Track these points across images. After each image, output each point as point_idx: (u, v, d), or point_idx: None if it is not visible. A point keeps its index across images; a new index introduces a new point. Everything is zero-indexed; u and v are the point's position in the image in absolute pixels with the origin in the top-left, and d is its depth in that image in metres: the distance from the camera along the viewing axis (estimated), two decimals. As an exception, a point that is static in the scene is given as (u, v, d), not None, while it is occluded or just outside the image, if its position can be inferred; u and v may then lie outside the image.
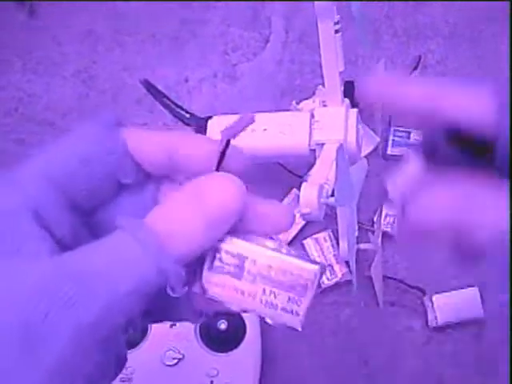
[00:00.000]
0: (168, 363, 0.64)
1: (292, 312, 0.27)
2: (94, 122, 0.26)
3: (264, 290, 0.26)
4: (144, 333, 0.66)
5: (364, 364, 0.73)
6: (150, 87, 0.80)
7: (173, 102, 0.79)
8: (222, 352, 0.65)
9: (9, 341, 0.20)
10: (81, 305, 0.21)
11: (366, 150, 0.79)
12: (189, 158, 0.26)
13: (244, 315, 0.67)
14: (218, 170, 0.26)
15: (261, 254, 0.26)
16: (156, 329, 0.66)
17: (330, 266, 0.75)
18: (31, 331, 0.20)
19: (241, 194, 0.24)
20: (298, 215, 0.84)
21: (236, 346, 0.66)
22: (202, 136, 0.27)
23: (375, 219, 0.76)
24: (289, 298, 0.26)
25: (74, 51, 0.90)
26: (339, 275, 0.75)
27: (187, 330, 0.66)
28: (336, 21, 0.60)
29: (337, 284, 0.75)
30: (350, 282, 0.75)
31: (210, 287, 0.26)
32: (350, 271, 0.74)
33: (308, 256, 0.24)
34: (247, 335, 0.66)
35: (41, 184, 0.24)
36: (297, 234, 0.77)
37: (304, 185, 0.54)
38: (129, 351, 0.64)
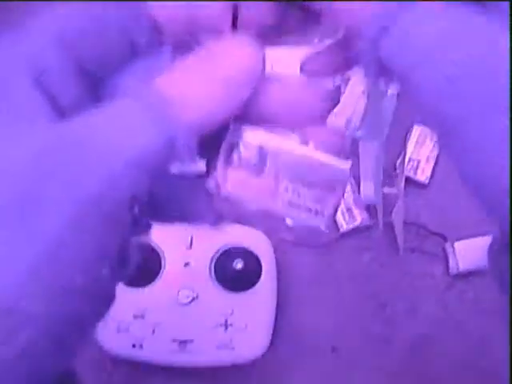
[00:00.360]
0: (182, 302, 0.63)
1: (317, 212, 0.24)
2: None
3: (287, 188, 0.24)
4: (157, 271, 0.64)
5: (382, 309, 0.71)
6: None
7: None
8: (237, 292, 0.64)
9: (2, 211, 0.18)
10: (81, 175, 0.19)
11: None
12: (207, 17, 0.24)
13: (260, 256, 0.65)
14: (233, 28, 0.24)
15: (285, 147, 0.24)
16: (170, 267, 0.64)
17: (349, 210, 0.73)
18: (28, 203, 0.18)
19: (259, 54, 0.23)
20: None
21: (251, 286, 0.64)
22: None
23: (398, 163, 0.74)
24: (314, 197, 0.24)
25: None
26: (358, 219, 0.73)
27: (202, 269, 0.64)
28: None
29: (356, 229, 0.73)
30: (369, 227, 0.73)
31: (226, 184, 0.24)
32: (371, 218, 0.72)
33: (334, 156, 0.22)
34: (263, 275, 0.64)
35: (48, 43, 0.22)
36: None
37: (330, 117, 0.52)
38: (142, 289, 0.63)
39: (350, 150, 0.68)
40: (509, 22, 0.21)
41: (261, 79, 0.23)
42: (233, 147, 0.24)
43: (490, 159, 0.20)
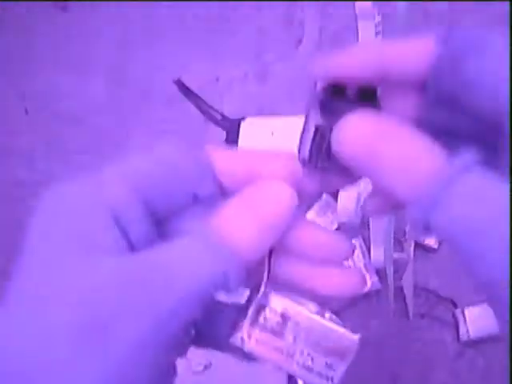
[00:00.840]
0: (196, 369, 0.63)
1: (327, 378, 0.27)
2: (179, 141, 0.27)
3: (302, 352, 0.27)
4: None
5: (393, 379, 0.71)
6: (183, 87, 0.79)
7: (205, 103, 0.78)
8: (249, 360, 0.64)
9: (73, 332, 0.20)
10: (148, 304, 0.21)
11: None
12: (267, 177, 0.26)
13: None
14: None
15: (305, 316, 0.26)
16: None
17: (360, 274, 0.74)
18: (95, 327, 0.20)
19: (292, 200, 0.25)
20: (328, 220, 0.83)
21: (264, 355, 0.64)
22: (282, 155, 0.27)
23: (407, 229, 0.75)
24: (325, 364, 0.27)
25: (106, 50, 0.89)
26: (369, 284, 0.73)
27: (214, 336, 0.65)
28: (377, 22, 0.58)
29: (366, 293, 0.73)
30: (379, 291, 0.73)
31: (250, 342, 0.26)
32: (382, 282, 0.73)
33: (346, 328, 0.26)
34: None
35: (123, 187, 0.24)
36: (326, 241, 0.75)
37: (341, 193, 0.53)
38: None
39: (361, 219, 0.69)
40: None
41: (293, 220, 0.25)
42: (260, 309, 0.26)
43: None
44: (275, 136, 0.64)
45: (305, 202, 0.27)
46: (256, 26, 0.88)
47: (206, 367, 0.63)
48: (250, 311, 0.26)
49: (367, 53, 0.25)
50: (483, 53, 0.23)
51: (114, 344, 0.20)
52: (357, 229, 0.66)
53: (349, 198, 0.52)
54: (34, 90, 0.88)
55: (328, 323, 0.27)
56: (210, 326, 0.27)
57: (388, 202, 0.27)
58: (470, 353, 0.72)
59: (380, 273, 0.73)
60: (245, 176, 0.27)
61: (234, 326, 0.26)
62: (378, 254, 0.73)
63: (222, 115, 0.79)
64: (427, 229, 0.23)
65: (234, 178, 0.27)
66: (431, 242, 0.75)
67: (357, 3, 0.57)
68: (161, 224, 0.26)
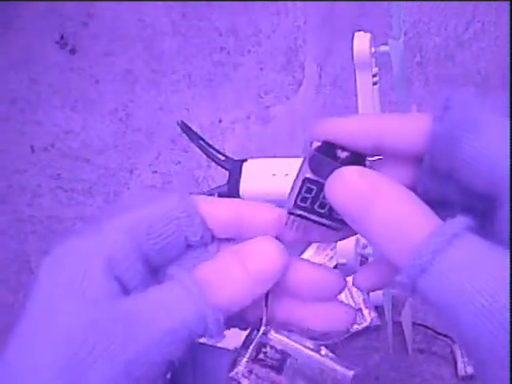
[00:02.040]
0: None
1: None
2: (173, 193, 0.29)
3: None
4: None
5: (392, 412, 0.73)
6: (186, 128, 0.81)
7: (208, 144, 0.81)
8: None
9: (55, 367, 0.22)
10: (120, 342, 0.23)
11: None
12: (252, 223, 0.28)
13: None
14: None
15: (303, 353, 0.28)
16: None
17: (359, 310, 0.75)
18: (76, 363, 0.22)
19: (282, 258, 0.26)
20: (327, 257, 0.85)
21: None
22: (266, 204, 0.29)
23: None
24: None
25: (111, 90, 0.92)
26: (368, 320, 0.75)
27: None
28: (374, 73, 0.61)
29: (366, 329, 0.75)
30: (378, 326, 0.75)
31: (250, 377, 0.28)
32: (381, 318, 0.74)
33: (342, 361, 0.27)
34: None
35: (120, 236, 0.26)
36: (326, 277, 0.77)
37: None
38: None
39: (360, 260, 0.71)
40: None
41: (285, 269, 0.27)
42: (260, 347, 0.27)
43: None
44: (277, 177, 0.66)
45: (293, 245, 0.28)
46: (258, 68, 0.91)
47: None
48: (251, 348, 0.27)
49: (365, 124, 0.26)
50: (479, 134, 0.23)
51: (93, 381, 0.22)
52: (356, 269, 0.68)
53: (348, 239, 0.54)
54: (40, 128, 0.91)
55: (324, 359, 0.28)
56: (209, 363, 0.29)
57: (381, 275, 0.28)
58: (467, 388, 0.73)
59: (379, 309, 0.75)
60: (233, 223, 0.28)
61: (234, 363, 0.27)
62: (377, 291, 0.75)
63: (225, 156, 0.81)
64: (414, 293, 0.23)
65: (223, 226, 0.28)
66: (428, 278, 0.77)
67: (355, 53, 0.59)
68: (157, 271, 0.28)
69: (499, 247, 0.22)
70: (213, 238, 0.29)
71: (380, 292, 0.74)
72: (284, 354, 0.28)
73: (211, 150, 0.84)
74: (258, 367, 0.27)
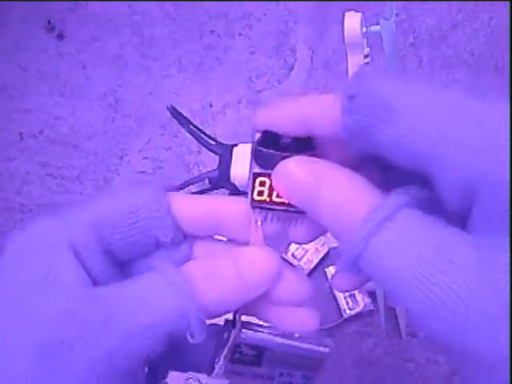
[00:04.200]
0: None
1: None
2: (146, 185, 0.28)
3: (281, 373, 0.28)
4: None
5: (386, 397, 0.72)
6: (176, 113, 0.80)
7: (198, 129, 0.80)
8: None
9: (28, 355, 0.21)
10: (98, 333, 0.22)
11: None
12: (228, 220, 0.27)
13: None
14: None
15: (277, 343, 0.28)
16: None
17: (353, 295, 0.75)
18: (51, 352, 0.21)
19: (276, 264, 0.26)
20: (320, 243, 0.84)
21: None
22: (241, 199, 0.28)
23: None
24: (303, 375, 0.29)
25: (100, 75, 0.91)
26: (361, 305, 0.74)
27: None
28: (366, 53, 0.60)
29: (359, 314, 0.74)
30: (372, 312, 0.75)
31: (231, 376, 0.28)
32: (374, 303, 0.74)
33: (318, 337, 0.27)
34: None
35: (85, 228, 0.25)
36: (319, 262, 0.77)
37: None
38: None
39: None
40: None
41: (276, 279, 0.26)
42: (236, 346, 0.27)
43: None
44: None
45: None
46: (249, 52, 0.90)
47: (201, 389, 0.64)
48: (226, 350, 0.27)
49: (289, 111, 0.25)
50: (392, 120, 0.22)
51: (67, 370, 0.22)
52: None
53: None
54: (28, 115, 0.90)
55: (299, 344, 0.28)
56: (191, 351, 0.28)
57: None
58: (461, 372, 0.72)
59: (372, 294, 0.74)
60: (203, 222, 0.27)
61: (212, 365, 0.27)
62: (369, 275, 0.74)
63: (215, 141, 0.80)
64: (358, 271, 0.23)
65: (193, 225, 0.27)
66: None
67: (346, 32, 0.58)
68: (125, 267, 0.27)
69: (440, 221, 0.21)
70: (185, 236, 0.28)
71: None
72: (259, 349, 0.28)
73: (201, 134, 0.83)
74: (236, 365, 0.27)
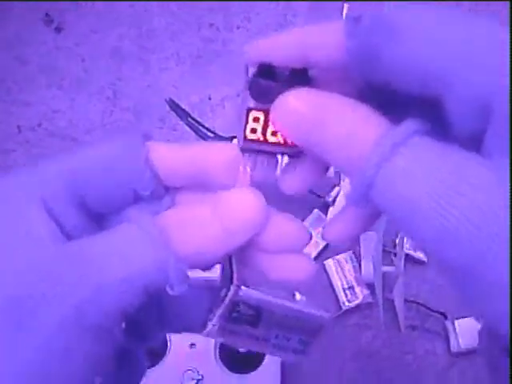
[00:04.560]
0: (187, 383, 0.64)
1: (301, 352, 0.28)
2: (123, 136, 0.27)
3: (277, 336, 0.27)
4: (163, 351, 0.65)
5: (385, 389, 0.72)
6: (174, 106, 0.80)
7: (197, 122, 0.80)
8: (241, 373, 0.65)
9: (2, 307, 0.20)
10: (67, 287, 0.21)
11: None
12: (214, 167, 0.26)
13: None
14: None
15: (276, 304, 0.27)
16: (175, 348, 0.65)
17: (351, 287, 0.75)
18: (17, 306, 0.21)
19: (262, 208, 0.24)
20: (319, 236, 0.84)
21: (255, 368, 0.65)
22: (226, 143, 0.27)
23: (397, 241, 0.76)
24: (300, 340, 0.28)
25: (98, 68, 0.90)
26: (360, 297, 0.74)
27: (207, 350, 0.65)
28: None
29: (358, 306, 0.74)
30: (371, 304, 0.74)
31: (225, 334, 0.27)
32: (373, 295, 0.73)
33: (318, 303, 0.26)
34: (267, 357, 0.65)
35: (57, 181, 0.24)
36: (318, 255, 0.76)
37: (331, 209, 0.54)
38: (148, 370, 0.64)
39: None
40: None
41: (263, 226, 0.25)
42: (233, 305, 0.26)
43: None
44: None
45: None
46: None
47: (198, 381, 0.63)
48: (222, 308, 0.26)
49: (290, 39, 0.24)
50: (399, 39, 0.21)
51: (33, 326, 0.21)
52: (347, 243, 0.67)
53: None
54: (26, 108, 0.90)
55: (299, 307, 0.27)
56: (184, 310, 0.27)
57: (350, 223, 0.27)
58: (460, 364, 0.72)
59: (371, 286, 0.74)
60: (186, 171, 0.26)
61: (209, 311, 0.26)
62: (368, 268, 0.74)
63: (214, 133, 0.80)
64: (368, 202, 0.22)
65: (175, 175, 0.26)
66: (421, 254, 0.76)
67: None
68: (102, 221, 0.26)
69: (453, 146, 0.21)
70: (167, 189, 0.26)
71: (371, 271, 0.74)
72: (258, 309, 0.26)
73: (200, 127, 0.83)
74: (231, 325, 0.26)
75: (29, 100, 0.90)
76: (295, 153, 0.25)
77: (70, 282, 0.21)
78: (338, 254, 0.76)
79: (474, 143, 0.21)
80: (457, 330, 0.72)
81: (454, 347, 0.72)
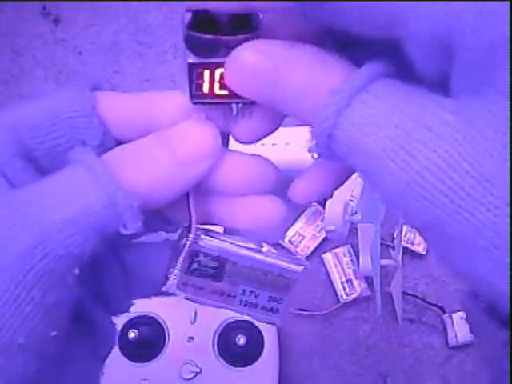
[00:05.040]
0: (185, 377, 0.64)
1: (272, 310, 0.26)
2: (71, 85, 0.26)
3: (244, 291, 0.25)
4: (161, 345, 0.65)
5: (383, 382, 0.72)
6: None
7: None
8: (239, 367, 0.65)
9: None
10: (10, 232, 0.20)
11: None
12: (165, 112, 0.25)
13: (263, 331, 0.66)
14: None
15: (242, 255, 0.25)
16: (174, 341, 0.65)
17: (349, 281, 0.75)
18: None
19: (216, 138, 0.23)
20: (317, 229, 0.84)
21: (254, 361, 0.65)
22: (177, 93, 0.26)
23: (395, 235, 0.76)
24: (269, 298, 0.26)
25: (96, 62, 0.90)
26: (358, 290, 0.74)
27: (205, 343, 0.65)
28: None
29: (356, 300, 0.74)
30: (369, 297, 0.74)
31: (187, 289, 0.25)
32: (371, 288, 0.74)
33: (291, 255, 0.24)
34: (265, 350, 0.65)
35: (2, 134, 0.23)
36: (316, 248, 0.76)
37: (329, 202, 0.54)
38: (146, 363, 0.64)
39: (349, 229, 0.70)
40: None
41: (217, 159, 0.24)
42: (193, 256, 0.25)
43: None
44: (265, 146, 0.65)
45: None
46: (245, 38, 0.89)
47: (196, 374, 0.63)
48: (181, 259, 0.24)
49: None
50: None
51: None
52: (345, 236, 0.67)
53: (336, 206, 0.53)
54: (23, 101, 0.89)
55: (268, 259, 0.25)
56: (143, 270, 0.26)
57: (319, 182, 0.25)
58: (458, 357, 0.72)
59: (369, 280, 0.74)
60: (135, 121, 0.25)
61: (166, 276, 0.25)
62: (366, 261, 0.74)
63: (212, 126, 0.79)
64: (331, 152, 0.21)
65: (123, 125, 0.25)
66: (419, 248, 0.76)
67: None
68: (47, 172, 0.25)
69: (418, 89, 0.19)
70: (118, 142, 0.25)
71: (369, 264, 0.74)
72: (221, 260, 0.25)
73: (197, 120, 0.82)
74: (193, 278, 0.25)
75: (25, 93, 0.89)
76: (250, 101, 0.23)
77: (11, 229, 0.20)
78: (336, 248, 0.76)
79: (442, 84, 0.20)
80: (454, 324, 0.72)
81: (451, 340, 0.72)
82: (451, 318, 0.72)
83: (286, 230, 0.76)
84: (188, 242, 0.25)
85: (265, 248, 0.26)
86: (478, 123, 0.18)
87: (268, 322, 0.27)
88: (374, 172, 0.19)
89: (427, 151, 0.18)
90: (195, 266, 0.25)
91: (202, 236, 0.25)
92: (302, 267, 0.26)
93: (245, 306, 0.26)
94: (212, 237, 0.25)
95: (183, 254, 0.25)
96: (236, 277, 0.25)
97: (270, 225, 0.25)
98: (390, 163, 0.19)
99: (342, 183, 0.26)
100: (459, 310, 0.72)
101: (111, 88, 0.88)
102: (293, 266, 0.26)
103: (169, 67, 0.89)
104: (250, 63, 0.21)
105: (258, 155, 0.26)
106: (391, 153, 0.18)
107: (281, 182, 0.27)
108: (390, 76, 0.20)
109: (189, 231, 0.25)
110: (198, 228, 0.25)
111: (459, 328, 0.71)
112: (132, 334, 0.63)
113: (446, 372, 0.72)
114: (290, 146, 0.65)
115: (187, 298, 0.25)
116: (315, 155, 0.21)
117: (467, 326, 0.71)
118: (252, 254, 0.25)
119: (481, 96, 0.18)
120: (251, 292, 0.25)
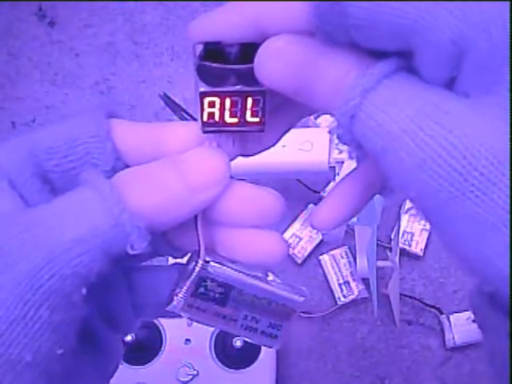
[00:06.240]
0: (182, 379, 0.63)
1: (271, 335, 0.27)
2: (86, 113, 0.27)
3: (246, 316, 0.26)
4: (158, 347, 0.65)
5: (380, 383, 0.72)
6: (168, 101, 0.80)
7: (191, 117, 0.79)
8: (236, 369, 0.65)
9: None
10: (18, 251, 0.21)
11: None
12: (176, 141, 0.26)
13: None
14: None
15: (247, 284, 0.26)
16: (170, 344, 0.65)
17: (347, 282, 0.75)
18: None
19: (226, 165, 0.24)
20: (314, 231, 0.84)
21: (251, 364, 0.65)
22: (190, 122, 0.26)
23: (392, 236, 0.76)
24: (270, 324, 0.27)
25: (92, 63, 0.90)
26: (356, 292, 0.74)
27: (202, 346, 0.65)
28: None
29: (353, 301, 0.74)
30: (366, 299, 0.74)
31: (191, 311, 0.26)
32: (368, 290, 0.73)
33: (292, 286, 0.25)
34: (262, 353, 0.65)
35: (19, 153, 0.24)
36: (313, 250, 0.76)
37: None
38: (143, 366, 0.64)
39: (346, 230, 0.70)
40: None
41: (225, 187, 0.24)
42: (200, 280, 0.25)
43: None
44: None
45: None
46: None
47: (193, 376, 0.63)
48: (189, 282, 0.25)
49: (241, 10, 0.23)
50: None
51: None
52: (341, 238, 0.67)
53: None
54: (20, 103, 0.89)
55: (272, 288, 0.27)
56: (151, 291, 0.27)
57: (340, 209, 0.26)
58: (456, 358, 0.72)
59: (367, 281, 0.74)
60: (147, 149, 0.26)
61: (171, 296, 0.25)
62: (363, 263, 0.74)
63: (208, 127, 0.79)
64: (351, 136, 0.22)
65: (136, 152, 0.26)
66: (416, 249, 0.76)
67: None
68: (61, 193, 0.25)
69: (434, 87, 0.21)
70: (128, 168, 0.26)
71: (366, 266, 0.74)
72: (227, 287, 0.26)
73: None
74: (198, 301, 0.26)
75: (22, 95, 0.89)
76: (257, 129, 0.25)
77: (21, 248, 0.21)
78: (333, 250, 0.76)
79: (448, 87, 0.21)
80: (452, 325, 0.72)
81: (449, 342, 0.72)
82: (449, 319, 0.72)
83: (283, 233, 0.76)
84: (197, 268, 0.25)
85: (270, 277, 0.27)
86: (489, 113, 0.19)
87: (266, 346, 0.28)
88: (392, 151, 0.20)
89: (444, 131, 0.19)
90: (202, 290, 0.26)
91: (211, 263, 0.26)
92: (303, 298, 0.27)
93: (245, 329, 0.27)
94: (220, 263, 0.26)
95: (191, 278, 0.25)
96: (240, 303, 0.26)
97: (269, 262, 0.26)
98: (409, 142, 0.20)
99: (362, 208, 0.27)
100: (457, 312, 0.72)
101: (107, 89, 0.88)
102: (296, 297, 0.27)
103: (165, 68, 0.89)
104: (285, 51, 0.22)
105: (268, 188, 0.27)
106: (411, 132, 0.20)
107: (277, 184, 0.27)
108: (408, 72, 0.21)
109: (198, 256, 0.25)
110: (205, 253, 0.26)
111: (457, 329, 0.71)
112: (129, 337, 0.63)
113: (444, 373, 0.72)
114: (287, 148, 0.65)
115: (190, 319, 0.26)
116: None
117: (465, 327, 0.71)
118: (258, 282, 0.26)
119: (491, 93, 0.20)
120: (253, 317, 0.26)
